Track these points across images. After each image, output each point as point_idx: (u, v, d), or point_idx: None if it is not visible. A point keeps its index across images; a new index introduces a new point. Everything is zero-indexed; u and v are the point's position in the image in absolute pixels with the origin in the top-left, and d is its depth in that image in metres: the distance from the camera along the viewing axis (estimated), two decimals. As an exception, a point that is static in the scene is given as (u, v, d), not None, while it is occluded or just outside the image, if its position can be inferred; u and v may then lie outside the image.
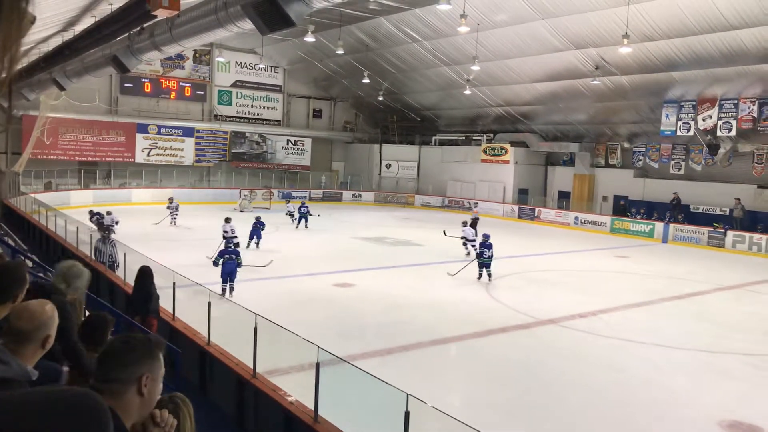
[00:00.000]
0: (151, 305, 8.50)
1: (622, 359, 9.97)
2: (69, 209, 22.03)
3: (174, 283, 8.97)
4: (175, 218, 23.52)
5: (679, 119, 24.76)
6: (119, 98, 33.00)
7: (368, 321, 11.93)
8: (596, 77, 23.78)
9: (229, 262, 12.82)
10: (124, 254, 11.21)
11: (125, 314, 8.14)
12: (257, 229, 19.00)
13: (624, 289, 15.34)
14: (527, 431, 7.43)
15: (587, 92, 26.27)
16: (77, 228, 14.69)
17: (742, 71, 21.42)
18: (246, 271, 13.64)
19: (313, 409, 5.80)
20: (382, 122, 39.58)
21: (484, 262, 15.51)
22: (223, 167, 36.16)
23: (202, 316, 7.98)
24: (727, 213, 24.45)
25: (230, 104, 36.75)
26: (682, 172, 26.60)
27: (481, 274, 15.54)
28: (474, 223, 22.30)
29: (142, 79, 33.26)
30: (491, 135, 34.29)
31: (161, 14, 9.39)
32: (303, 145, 38.46)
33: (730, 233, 23.33)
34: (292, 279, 14.83)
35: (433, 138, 37.45)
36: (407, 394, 4.74)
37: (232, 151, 36.23)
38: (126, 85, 32.77)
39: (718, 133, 23.94)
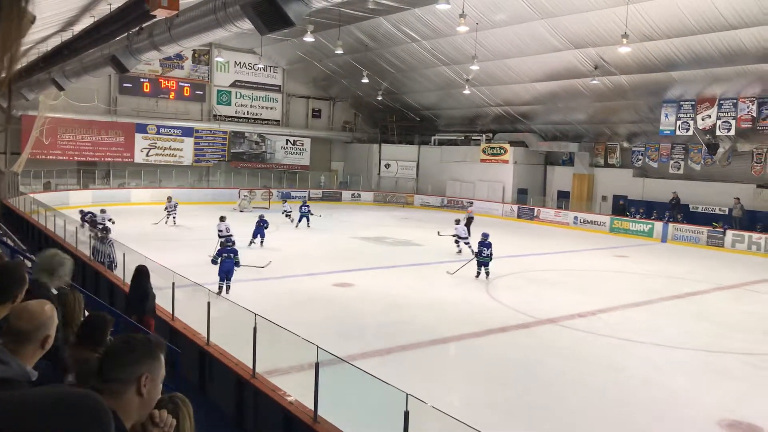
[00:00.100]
0: (147, 304, 8.52)
1: (621, 359, 9.98)
2: (68, 209, 21.98)
3: (173, 283, 8.96)
4: (174, 217, 23.51)
5: (678, 119, 24.78)
6: (118, 98, 32.97)
7: (368, 321, 11.93)
8: (595, 77, 23.79)
9: (227, 260, 12.87)
10: (123, 254, 11.21)
11: (124, 314, 8.15)
12: (261, 227, 19.09)
13: (623, 289, 15.35)
14: (527, 431, 7.43)
15: (586, 92, 26.28)
16: (76, 228, 14.69)
17: (741, 71, 21.43)
18: (245, 271, 13.64)
19: (312, 409, 5.80)
20: (382, 122, 39.58)
21: (483, 260, 15.58)
22: (223, 167, 36.14)
23: (202, 316, 7.98)
24: (727, 212, 24.47)
25: (229, 104, 36.73)
26: (681, 171, 26.61)
27: (479, 273, 15.62)
28: (469, 223, 22.36)
29: (141, 79, 33.23)
30: (490, 135, 34.30)
31: (160, 14, 9.39)
32: (302, 145, 38.45)
33: (730, 233, 23.35)
34: (291, 279, 14.83)
35: (433, 138, 37.45)
36: (407, 394, 4.74)
37: (232, 151, 36.21)
38: (125, 85, 32.74)
39: (717, 133, 23.95)
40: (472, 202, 31.49)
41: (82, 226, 15.81)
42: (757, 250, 22.37)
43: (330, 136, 40.43)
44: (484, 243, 15.66)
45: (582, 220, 28.49)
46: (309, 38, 23.65)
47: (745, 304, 14.59)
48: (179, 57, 33.51)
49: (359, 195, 37.64)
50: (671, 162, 26.97)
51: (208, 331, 7.87)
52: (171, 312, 8.88)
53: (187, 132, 34.65)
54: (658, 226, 25.48)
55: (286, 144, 37.97)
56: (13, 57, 0.94)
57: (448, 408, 5.43)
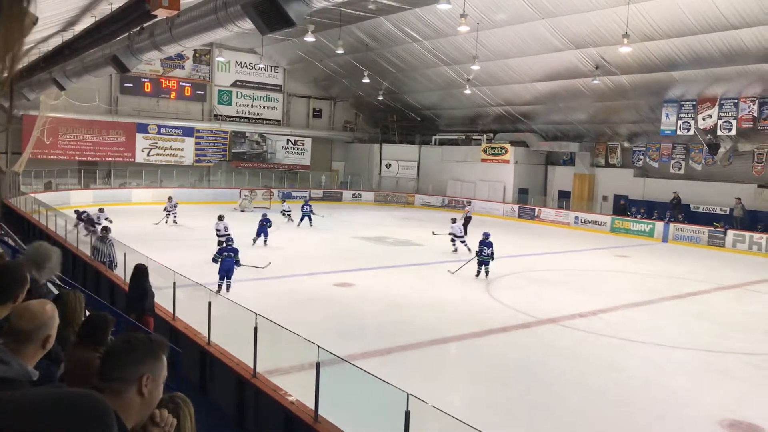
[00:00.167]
0: (146, 303, 8.54)
1: (622, 359, 9.97)
2: (69, 209, 21.98)
3: (174, 283, 8.96)
4: (174, 217, 23.51)
5: (679, 119, 24.76)
6: (119, 98, 32.99)
7: (368, 321, 11.93)
8: (596, 77, 23.78)
9: (227, 259, 12.91)
10: (125, 254, 11.21)
11: (125, 313, 8.16)
12: (264, 226, 19.13)
13: (624, 289, 15.34)
14: (527, 431, 7.43)
15: (587, 92, 26.26)
16: (76, 228, 14.70)
17: (742, 71, 21.41)
18: (245, 270, 13.64)
19: (313, 408, 5.80)
20: (382, 122, 39.57)
21: (483, 260, 15.61)
22: (223, 167, 36.15)
23: (203, 316, 7.98)
24: (728, 212, 24.45)
25: (230, 104, 36.74)
26: (682, 171, 26.60)
27: (479, 272, 15.65)
28: (466, 222, 22.38)
29: (142, 79, 33.26)
30: (491, 135, 34.29)
31: (161, 14, 9.39)
32: (303, 144, 38.46)
33: (731, 233, 23.33)
34: (292, 279, 14.83)
35: (433, 138, 37.45)
36: (408, 394, 4.74)
37: (232, 150, 36.23)
38: (126, 84, 32.76)
39: (719, 133, 23.94)
40: (470, 202, 31.51)
41: (75, 225, 15.77)
42: (758, 250, 22.35)
43: (331, 136, 40.43)
44: (485, 242, 15.68)
45: (583, 220, 28.48)
46: (310, 38, 23.65)
47: (746, 304, 14.58)
48: (180, 57, 33.53)
49: (360, 195, 37.64)
50: (672, 162, 26.96)
51: (209, 331, 7.87)
52: (172, 312, 8.88)
53: (188, 132, 34.66)
54: (659, 226, 25.47)
55: (287, 144, 37.98)
56: (15, 57, 0.94)
57: (448, 408, 5.43)
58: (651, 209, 26.71)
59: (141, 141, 33.18)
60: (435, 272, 16.43)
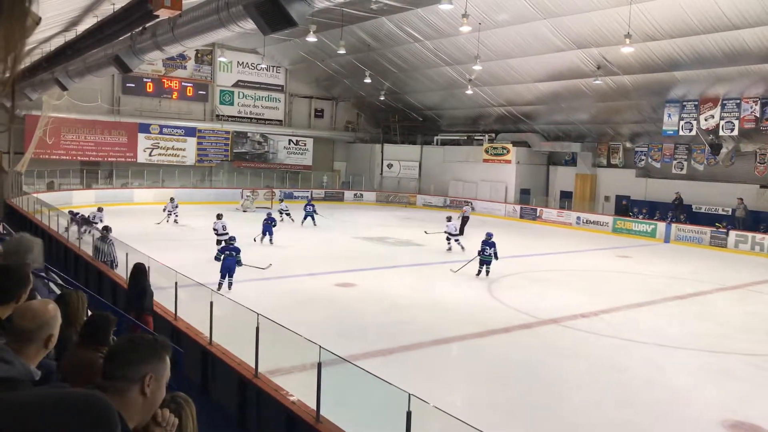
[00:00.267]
0: (145, 302, 8.56)
1: (624, 359, 9.96)
2: (71, 209, 22.00)
3: (176, 283, 8.97)
4: (176, 216, 23.52)
5: (681, 119, 24.72)
6: (121, 98, 33.03)
7: (369, 321, 11.92)
8: (598, 77, 23.74)
9: (228, 258, 12.93)
10: (126, 254, 11.22)
11: (126, 313, 8.16)
12: (269, 225, 19.17)
13: (626, 289, 15.32)
14: (529, 431, 7.43)
15: (589, 92, 26.24)
16: (77, 229, 14.71)
17: (745, 71, 21.38)
18: (246, 270, 13.65)
19: (315, 408, 5.80)
20: (384, 122, 39.56)
21: (485, 259, 15.63)
22: (225, 167, 36.17)
23: (204, 316, 7.99)
24: (730, 213, 24.40)
25: (232, 104, 36.76)
26: (684, 171, 26.57)
27: (480, 271, 15.66)
28: (464, 222, 22.38)
29: (144, 79, 33.29)
30: (493, 135, 34.27)
31: (163, 14, 9.40)
32: (305, 144, 38.47)
33: (733, 233, 23.28)
34: (293, 279, 14.83)
35: (435, 138, 37.44)
36: (409, 394, 4.74)
37: (234, 151, 36.25)
38: (128, 85, 32.80)
39: (721, 133, 23.89)
40: (468, 202, 31.45)
41: (66, 229, 15.74)
42: (761, 250, 22.31)
43: (332, 136, 40.44)
44: (488, 242, 15.69)
45: (585, 221, 28.45)
46: (312, 38, 23.66)
47: (748, 305, 14.56)
48: (182, 57, 33.57)
49: (361, 195, 37.64)
50: (674, 162, 26.92)
51: (210, 331, 7.88)
52: (174, 312, 8.88)
53: (190, 132, 34.69)
54: (661, 226, 25.43)
55: (289, 144, 38.00)
56: (17, 57, 0.94)
57: (450, 408, 5.43)
58: (653, 210, 26.68)
59: (143, 141, 33.21)
60: (436, 272, 16.43)
